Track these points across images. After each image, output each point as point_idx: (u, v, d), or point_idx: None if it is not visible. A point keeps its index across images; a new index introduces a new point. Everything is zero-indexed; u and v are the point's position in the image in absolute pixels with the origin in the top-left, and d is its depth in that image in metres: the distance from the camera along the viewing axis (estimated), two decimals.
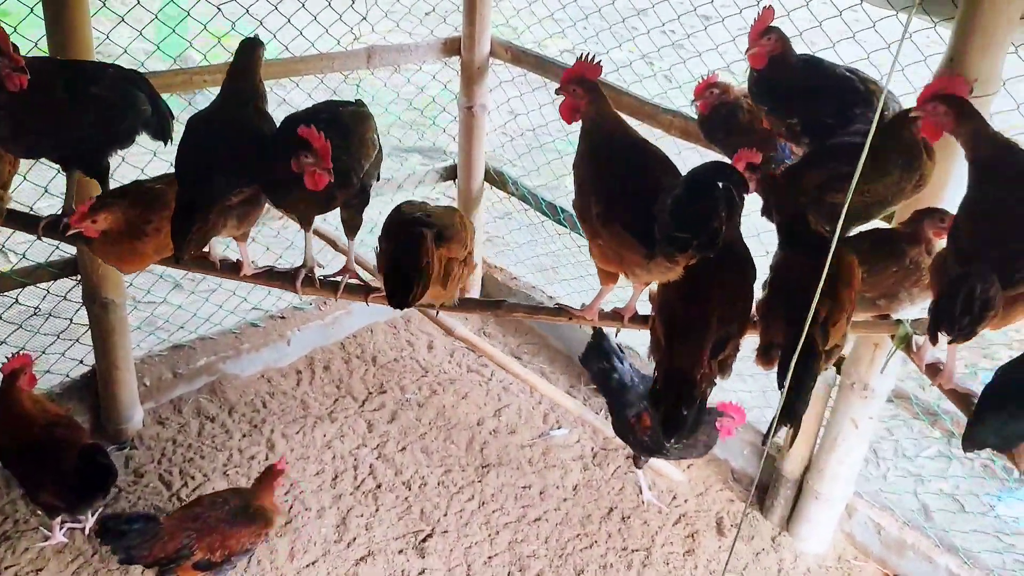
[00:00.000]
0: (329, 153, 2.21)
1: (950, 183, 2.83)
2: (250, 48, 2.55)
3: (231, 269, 2.62)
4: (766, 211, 2.67)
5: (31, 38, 3.36)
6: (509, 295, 5.15)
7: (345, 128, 2.41)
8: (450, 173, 4.99)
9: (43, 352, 4.11)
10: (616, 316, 2.62)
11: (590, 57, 2.40)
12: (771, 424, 2.23)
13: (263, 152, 2.34)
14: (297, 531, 3.74)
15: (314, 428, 4.29)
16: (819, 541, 3.86)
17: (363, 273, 2.76)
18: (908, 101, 2.90)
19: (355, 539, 3.74)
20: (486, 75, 4.57)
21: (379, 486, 4.01)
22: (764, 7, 2.70)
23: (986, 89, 2.69)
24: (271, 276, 2.65)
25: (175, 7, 4.01)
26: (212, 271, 2.60)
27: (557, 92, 2.43)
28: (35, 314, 4.18)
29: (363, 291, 2.64)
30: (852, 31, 3.51)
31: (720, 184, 2.12)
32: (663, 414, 2.28)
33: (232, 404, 4.37)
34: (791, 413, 2.22)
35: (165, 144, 2.74)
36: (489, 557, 3.74)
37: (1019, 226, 2.12)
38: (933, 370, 2.44)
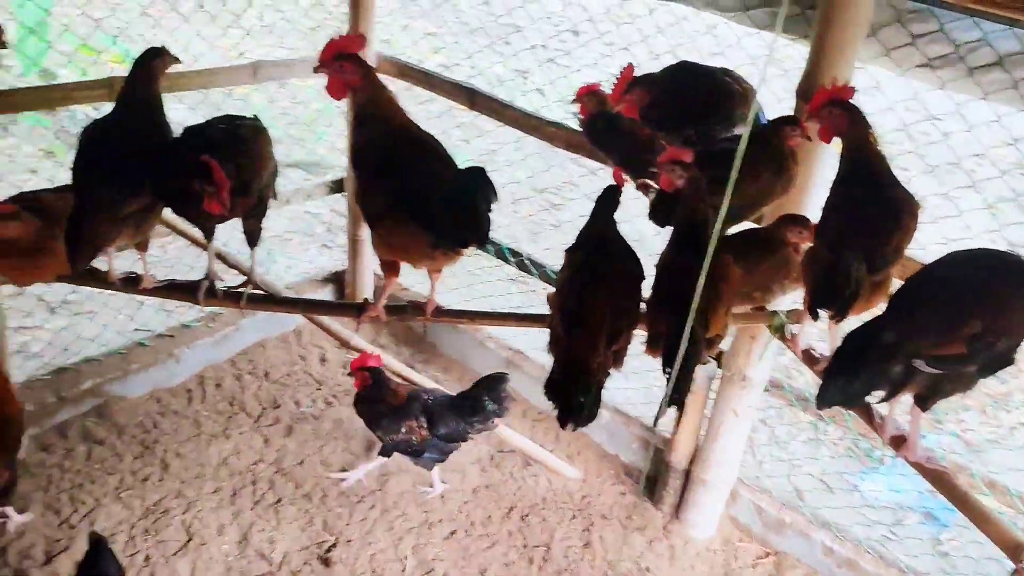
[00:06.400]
0: (227, 187, 2.23)
1: (813, 187, 3.12)
2: (148, 56, 2.56)
3: (131, 283, 2.60)
4: (658, 213, 2.83)
5: None
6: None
7: (243, 140, 2.45)
8: (337, 186, 5.02)
9: None
10: (417, 309, 2.68)
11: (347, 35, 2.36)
12: (660, 406, 2.31)
13: (161, 164, 2.36)
14: (198, 550, 3.68)
15: (208, 446, 4.22)
16: (707, 526, 4.10)
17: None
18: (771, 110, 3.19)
19: (258, 553, 3.73)
20: None
21: (279, 500, 4.00)
22: (625, 66, 2.89)
23: None
24: (172, 289, 2.65)
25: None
26: (112, 287, 2.58)
27: (316, 71, 2.40)
28: None
29: (269, 302, 2.68)
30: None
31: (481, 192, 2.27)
32: (562, 402, 2.34)
33: (121, 426, 4.26)
34: (677, 395, 2.30)
35: None
36: (395, 562, 3.79)
37: (877, 223, 2.39)
38: (808, 356, 2.67)
